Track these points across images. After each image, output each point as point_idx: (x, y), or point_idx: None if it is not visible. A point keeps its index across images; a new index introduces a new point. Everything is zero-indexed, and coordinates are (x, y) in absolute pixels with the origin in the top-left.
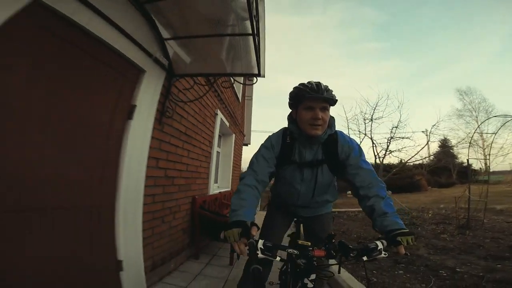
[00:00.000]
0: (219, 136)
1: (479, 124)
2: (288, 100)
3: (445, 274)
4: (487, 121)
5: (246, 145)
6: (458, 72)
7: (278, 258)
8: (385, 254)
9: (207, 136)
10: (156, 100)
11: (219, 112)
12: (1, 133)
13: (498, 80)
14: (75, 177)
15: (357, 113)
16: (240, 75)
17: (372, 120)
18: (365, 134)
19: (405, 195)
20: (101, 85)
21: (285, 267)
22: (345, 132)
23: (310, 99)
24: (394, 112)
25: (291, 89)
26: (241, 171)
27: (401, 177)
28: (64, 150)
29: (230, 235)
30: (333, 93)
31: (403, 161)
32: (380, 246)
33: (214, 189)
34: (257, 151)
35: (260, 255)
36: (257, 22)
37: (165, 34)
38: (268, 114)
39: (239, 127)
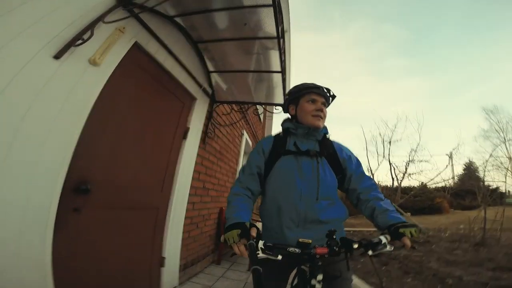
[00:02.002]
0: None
1: (506, 145)
2: (285, 101)
3: (450, 283)
4: None
5: None
6: (485, 90)
7: (279, 257)
8: (390, 247)
9: (234, 155)
10: (202, 123)
11: (245, 132)
12: (104, 147)
13: None
14: (146, 184)
15: (375, 135)
16: (267, 104)
17: (390, 142)
18: (384, 157)
19: (425, 217)
20: (168, 110)
21: (295, 282)
22: (364, 153)
23: (312, 93)
24: (413, 135)
25: (290, 89)
26: None
27: (422, 200)
28: (142, 163)
29: (229, 237)
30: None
31: (423, 183)
32: (384, 240)
33: None
34: (246, 162)
35: (261, 254)
36: (284, 61)
37: (210, 67)
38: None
39: None
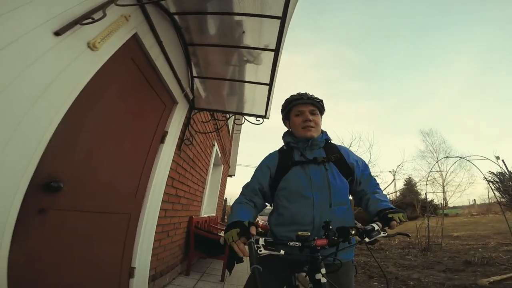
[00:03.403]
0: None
1: (438, 164)
2: (282, 118)
3: (412, 284)
4: (445, 161)
5: (231, 176)
6: (424, 113)
7: (282, 252)
8: (384, 233)
9: (205, 164)
10: (180, 129)
11: (216, 143)
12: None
13: (458, 121)
14: (121, 187)
15: None
16: (249, 115)
17: None
18: None
19: None
20: (150, 111)
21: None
22: None
23: (298, 105)
24: (365, 153)
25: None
26: (224, 200)
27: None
28: (119, 162)
29: (228, 236)
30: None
31: None
32: (376, 227)
33: (203, 212)
34: (250, 178)
35: (263, 250)
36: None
37: (194, 72)
38: (252, 149)
39: (226, 159)
